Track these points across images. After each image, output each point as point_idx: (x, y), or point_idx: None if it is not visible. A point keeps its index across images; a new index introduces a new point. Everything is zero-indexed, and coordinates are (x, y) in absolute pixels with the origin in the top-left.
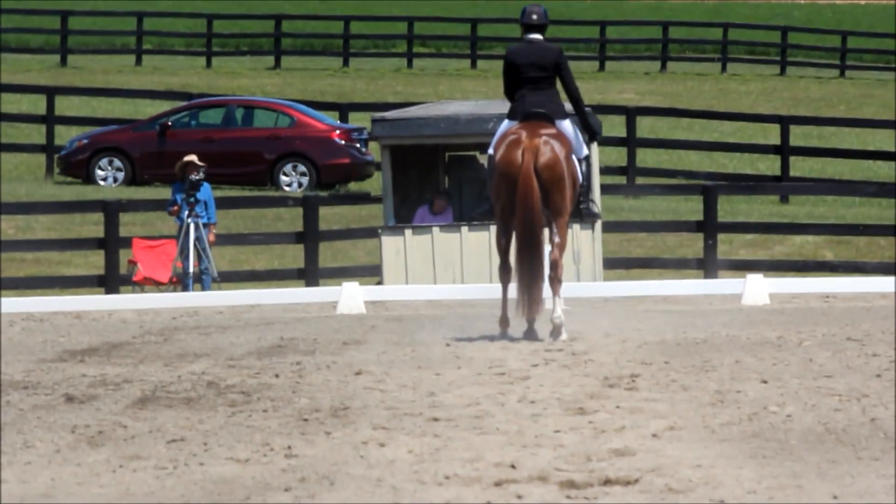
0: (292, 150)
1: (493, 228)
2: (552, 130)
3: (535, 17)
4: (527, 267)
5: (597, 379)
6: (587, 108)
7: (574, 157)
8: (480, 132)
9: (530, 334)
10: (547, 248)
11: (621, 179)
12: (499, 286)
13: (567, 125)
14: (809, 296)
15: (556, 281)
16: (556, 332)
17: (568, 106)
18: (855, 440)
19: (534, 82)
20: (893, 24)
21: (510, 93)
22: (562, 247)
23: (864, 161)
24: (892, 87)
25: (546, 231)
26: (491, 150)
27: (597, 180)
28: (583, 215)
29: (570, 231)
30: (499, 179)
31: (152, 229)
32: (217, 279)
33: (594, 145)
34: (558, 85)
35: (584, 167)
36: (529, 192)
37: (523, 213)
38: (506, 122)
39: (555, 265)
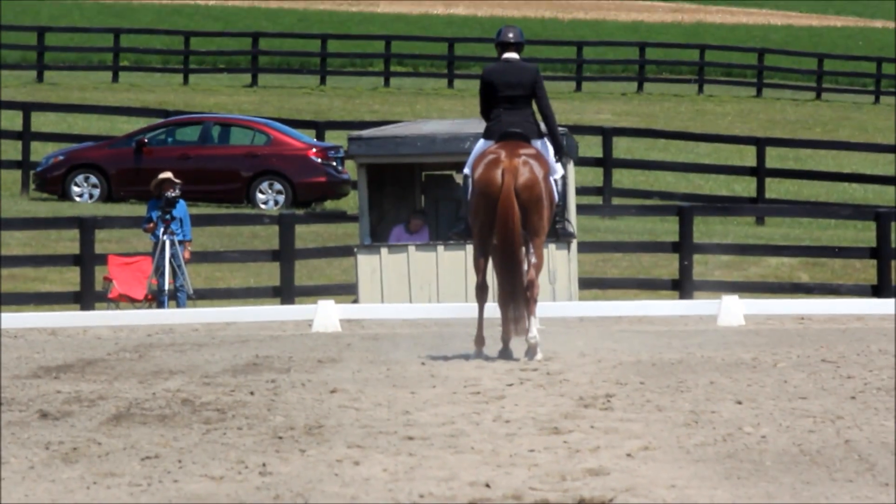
0: (268, 168)
1: (470, 248)
2: (531, 150)
3: (511, 35)
4: (508, 287)
5: (572, 399)
6: (562, 129)
7: (551, 177)
8: (457, 151)
9: (505, 353)
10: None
11: (597, 200)
12: (474, 305)
13: (542, 145)
14: (784, 317)
15: (531, 301)
16: (531, 351)
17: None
18: (829, 462)
19: (510, 101)
20: (869, 47)
21: (486, 112)
22: (538, 267)
23: (840, 183)
24: (868, 109)
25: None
26: (467, 170)
27: (573, 200)
28: (558, 235)
29: (545, 251)
30: (478, 199)
31: (128, 246)
32: (192, 296)
33: (570, 165)
34: (533, 105)
35: (559, 187)
36: (510, 213)
37: (503, 234)
38: (481, 142)
39: (531, 285)
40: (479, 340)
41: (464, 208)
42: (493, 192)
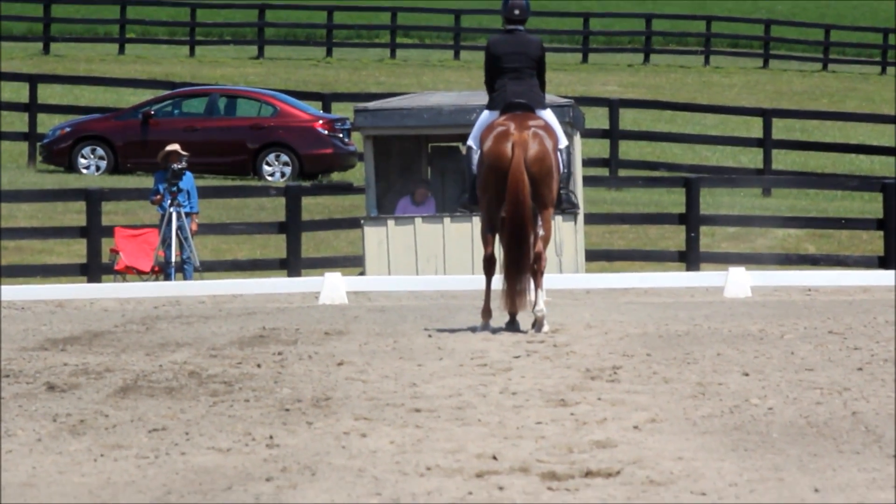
0: (275, 140)
1: (476, 220)
2: (539, 122)
3: (517, 11)
4: (515, 260)
5: (578, 371)
6: (568, 100)
7: (558, 147)
8: (463, 123)
9: (512, 326)
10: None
11: (604, 171)
12: (481, 277)
13: (549, 114)
14: (791, 289)
15: (538, 273)
16: (538, 324)
17: (548, 97)
18: (836, 433)
19: (515, 72)
20: (876, 18)
21: (490, 83)
22: (546, 240)
23: (847, 154)
24: (874, 80)
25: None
26: (472, 142)
27: (579, 172)
28: (562, 204)
29: (553, 222)
30: (487, 172)
31: (135, 218)
32: (199, 269)
33: (577, 137)
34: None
35: (564, 156)
36: (520, 187)
37: (513, 208)
38: (486, 113)
39: (538, 257)
40: (487, 313)
41: (468, 179)
42: (503, 166)
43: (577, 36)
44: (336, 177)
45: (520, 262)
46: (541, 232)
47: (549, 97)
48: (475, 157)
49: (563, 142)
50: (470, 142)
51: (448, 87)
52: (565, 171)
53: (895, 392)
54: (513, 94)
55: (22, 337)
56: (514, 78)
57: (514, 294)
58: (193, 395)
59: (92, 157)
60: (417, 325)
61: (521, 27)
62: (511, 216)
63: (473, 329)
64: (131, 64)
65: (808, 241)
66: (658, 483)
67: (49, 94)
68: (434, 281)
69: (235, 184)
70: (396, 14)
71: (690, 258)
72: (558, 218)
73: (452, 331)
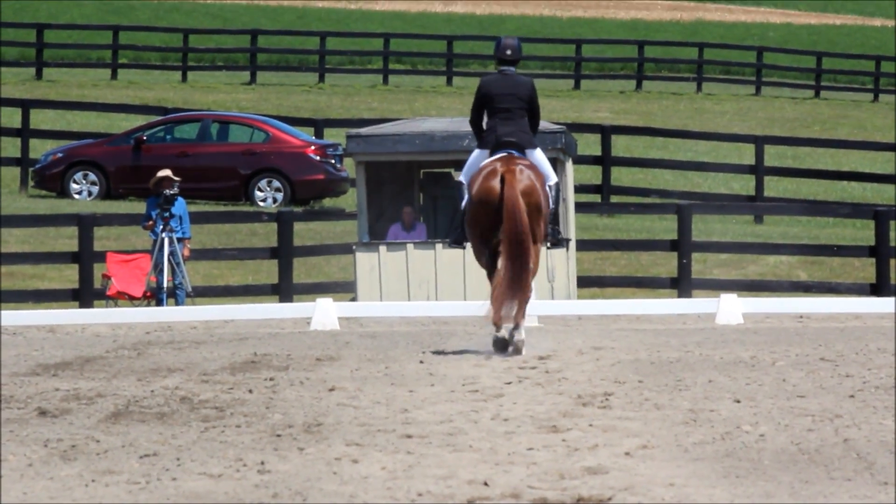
0: (267, 166)
1: (468, 246)
2: (526, 162)
3: (509, 52)
4: (516, 275)
5: (570, 397)
6: (560, 126)
7: (546, 185)
8: (455, 149)
9: (498, 344)
10: None
11: (596, 198)
12: (473, 303)
13: (539, 154)
14: (783, 316)
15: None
16: (516, 350)
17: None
18: (828, 460)
19: (505, 112)
20: (868, 46)
21: (476, 122)
22: (532, 273)
23: (839, 182)
24: (866, 108)
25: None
26: (464, 179)
27: (571, 198)
28: (548, 240)
29: (543, 249)
30: (476, 209)
31: (126, 244)
32: (191, 294)
33: (569, 163)
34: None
35: (553, 193)
36: (515, 204)
37: (511, 224)
38: (477, 152)
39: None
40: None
41: (458, 216)
42: (492, 200)
43: (570, 62)
44: (328, 202)
45: (521, 276)
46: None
47: (542, 124)
48: (465, 194)
49: (553, 178)
50: (461, 177)
51: (440, 113)
52: (553, 207)
53: (892, 419)
54: (503, 133)
55: (14, 362)
56: (504, 118)
57: (500, 308)
58: (185, 421)
59: (84, 182)
60: (409, 350)
61: (512, 68)
62: (510, 233)
63: (465, 355)
64: (123, 89)
65: (800, 268)
66: None
67: (41, 119)
68: (426, 307)
69: (227, 209)
70: (389, 40)
71: (682, 285)
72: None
73: (444, 356)
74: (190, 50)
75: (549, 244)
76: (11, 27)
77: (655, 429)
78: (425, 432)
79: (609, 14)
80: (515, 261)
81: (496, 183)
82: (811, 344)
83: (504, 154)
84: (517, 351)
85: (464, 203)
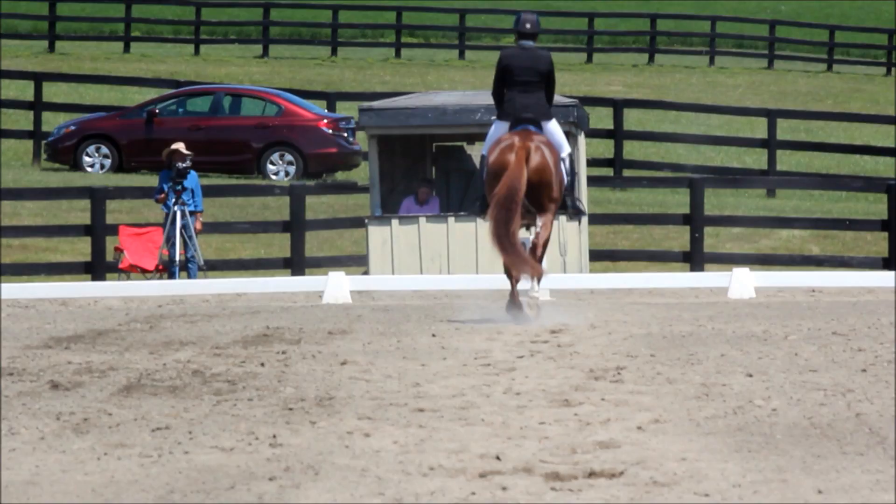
0: (279, 139)
1: (480, 220)
2: (542, 138)
3: (528, 26)
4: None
5: (582, 371)
6: (573, 100)
7: (560, 158)
8: (468, 123)
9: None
10: (526, 235)
11: (608, 172)
12: (485, 276)
13: (553, 125)
14: (795, 290)
15: (538, 259)
16: (532, 304)
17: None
18: (840, 435)
19: (524, 85)
20: (881, 19)
21: (498, 94)
22: (545, 238)
23: (851, 155)
24: (879, 81)
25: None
26: (484, 152)
27: (584, 172)
28: (569, 211)
29: (556, 223)
30: (491, 179)
31: (139, 217)
32: (203, 267)
33: (581, 137)
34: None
35: (567, 164)
36: (517, 169)
37: (508, 181)
38: (496, 124)
39: (535, 247)
40: (516, 302)
41: (480, 187)
42: (505, 169)
43: (582, 36)
44: (340, 176)
45: (505, 235)
46: (539, 229)
47: (554, 97)
48: (485, 168)
49: (566, 150)
50: (483, 151)
51: (453, 87)
52: (569, 178)
53: None
54: (521, 106)
55: (26, 335)
56: (522, 91)
57: (501, 230)
58: (197, 394)
59: (96, 155)
60: (421, 324)
61: (531, 42)
62: (505, 186)
63: (477, 329)
64: (136, 62)
65: (812, 242)
66: (661, 484)
67: (54, 92)
68: (438, 280)
69: (240, 183)
70: (401, 13)
71: (694, 259)
72: (562, 218)
73: (456, 330)
74: (202, 23)
75: (569, 214)
76: (25, 0)
77: (667, 403)
78: (437, 406)
79: None
80: (500, 220)
81: (510, 157)
82: (823, 318)
83: (522, 129)
84: (533, 307)
85: (484, 175)
